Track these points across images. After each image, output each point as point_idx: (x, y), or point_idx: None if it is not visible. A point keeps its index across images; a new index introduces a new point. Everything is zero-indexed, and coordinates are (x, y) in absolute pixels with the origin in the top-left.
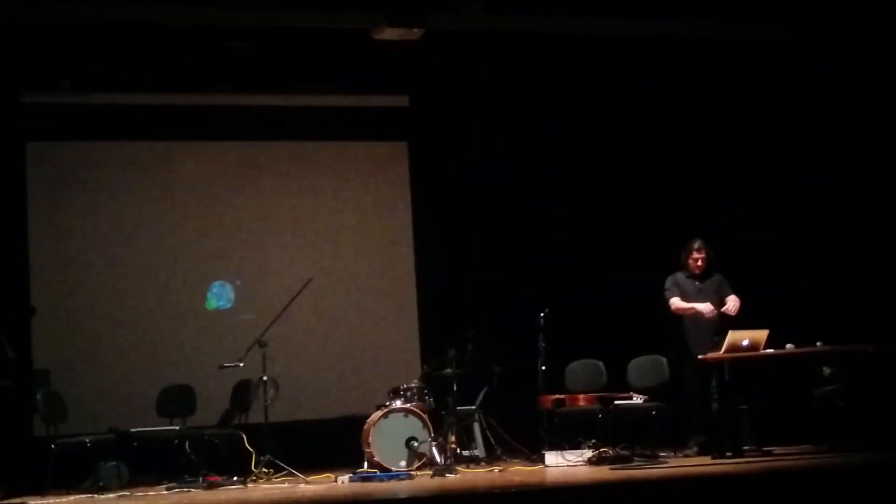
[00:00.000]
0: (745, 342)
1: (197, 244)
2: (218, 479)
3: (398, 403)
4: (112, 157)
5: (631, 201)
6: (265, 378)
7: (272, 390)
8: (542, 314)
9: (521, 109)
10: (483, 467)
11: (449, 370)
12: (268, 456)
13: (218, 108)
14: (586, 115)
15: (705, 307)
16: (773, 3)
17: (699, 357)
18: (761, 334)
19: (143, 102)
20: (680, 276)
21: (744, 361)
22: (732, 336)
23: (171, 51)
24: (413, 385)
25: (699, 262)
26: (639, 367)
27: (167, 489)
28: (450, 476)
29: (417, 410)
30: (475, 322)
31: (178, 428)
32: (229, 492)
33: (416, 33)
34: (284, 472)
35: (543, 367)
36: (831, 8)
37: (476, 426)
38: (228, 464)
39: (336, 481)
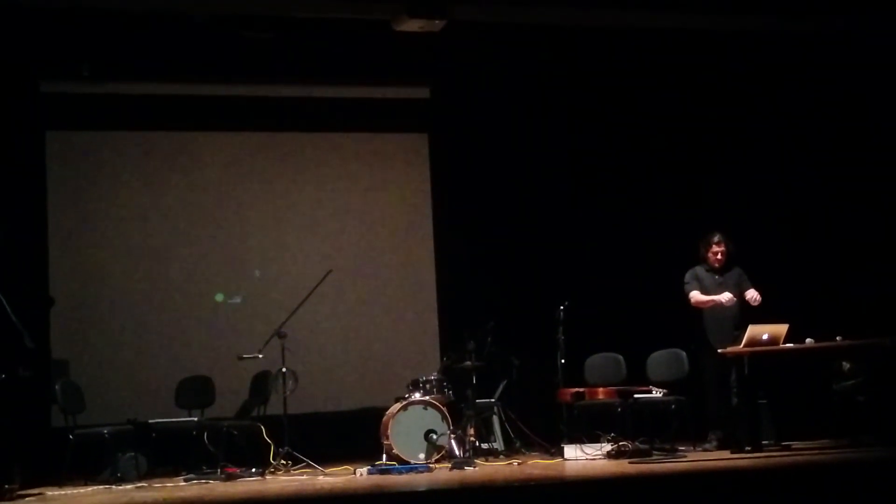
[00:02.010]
0: (765, 336)
1: (216, 235)
2: (236, 470)
3: (417, 396)
4: (132, 147)
5: (651, 194)
6: (284, 370)
7: (291, 382)
8: (561, 307)
9: (542, 101)
10: (502, 460)
11: (468, 363)
12: (286, 448)
13: (238, 98)
14: (609, 107)
15: (724, 296)
16: None
17: (719, 351)
18: (781, 328)
19: (163, 92)
20: (699, 269)
21: (763, 355)
22: (752, 330)
23: (192, 40)
24: (432, 377)
25: (719, 256)
26: (658, 360)
27: (185, 480)
28: (468, 469)
29: (436, 403)
30: (495, 314)
31: (196, 419)
32: (247, 483)
33: (437, 25)
34: (303, 464)
35: (563, 361)
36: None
37: (495, 419)
38: (247, 455)
39: (354, 473)
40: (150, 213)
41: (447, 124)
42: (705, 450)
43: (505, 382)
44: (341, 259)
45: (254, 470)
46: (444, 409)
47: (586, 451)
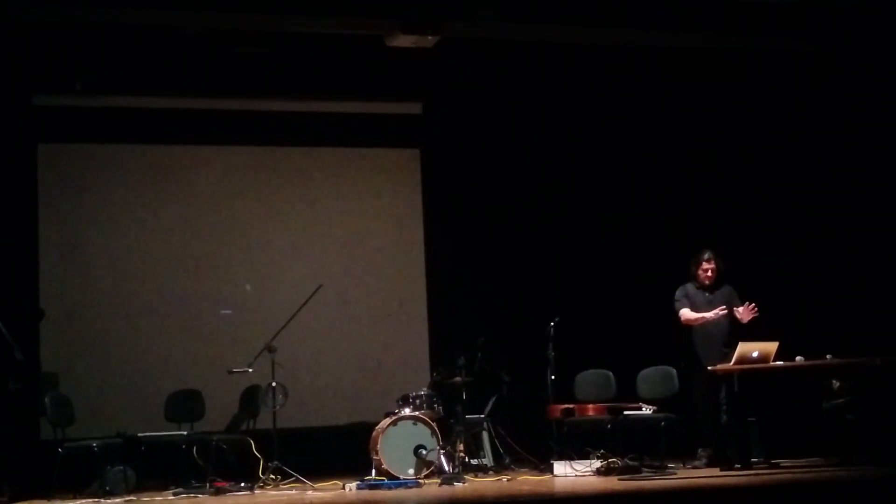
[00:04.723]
0: (755, 354)
1: (208, 249)
2: (225, 484)
3: (407, 411)
4: (123, 161)
5: (642, 211)
6: (274, 384)
7: (281, 396)
8: (552, 323)
9: (534, 117)
10: (491, 476)
11: (458, 378)
12: (275, 462)
13: (231, 112)
14: (600, 124)
15: (715, 311)
16: (774, 15)
17: (709, 368)
18: (771, 346)
19: (155, 106)
20: (690, 287)
21: (753, 373)
22: (742, 348)
23: (184, 55)
24: (422, 393)
25: (709, 273)
26: (648, 377)
27: (174, 494)
28: (458, 485)
29: (426, 418)
30: (485, 330)
31: (185, 433)
32: (236, 498)
33: (430, 41)
34: (292, 479)
35: (553, 377)
36: (831, 22)
37: (485, 435)
38: (236, 470)
39: (344, 489)
40: (141, 227)
41: (439, 140)
42: (695, 467)
43: (495, 398)
44: (332, 274)
45: (243, 484)
46: (434, 425)
47: (576, 468)
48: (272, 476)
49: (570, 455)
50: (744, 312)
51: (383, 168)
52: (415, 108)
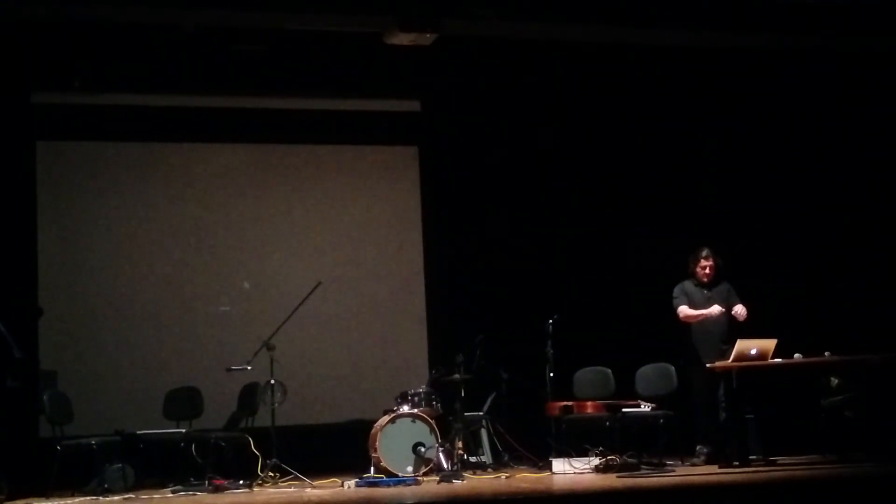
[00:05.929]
0: (754, 351)
1: (206, 246)
2: (224, 482)
3: (406, 408)
4: (122, 158)
5: (640, 209)
6: (273, 381)
7: (279, 394)
8: (550, 321)
9: (532, 115)
10: (490, 474)
11: (457, 376)
12: (274, 460)
13: (229, 110)
14: (597, 121)
15: (714, 308)
16: (775, 13)
17: (707, 365)
18: (769, 343)
19: (153, 104)
20: (688, 284)
21: (752, 370)
22: (741, 345)
23: (182, 52)
24: (421, 390)
25: (707, 270)
26: (647, 374)
27: (172, 492)
28: (456, 482)
29: (425, 416)
30: (484, 328)
31: (184, 430)
32: (235, 495)
33: (428, 38)
34: (291, 477)
35: (551, 374)
36: (833, 17)
37: (483, 432)
38: (234, 467)
39: (342, 486)
40: (139, 224)
41: (437, 137)
42: (693, 464)
43: (493, 396)
44: (331, 271)
45: (241, 482)
46: (433, 422)
47: (574, 465)
48: (271, 474)
49: (568, 452)
50: (741, 311)
51: (382, 165)
52: (413, 106)
